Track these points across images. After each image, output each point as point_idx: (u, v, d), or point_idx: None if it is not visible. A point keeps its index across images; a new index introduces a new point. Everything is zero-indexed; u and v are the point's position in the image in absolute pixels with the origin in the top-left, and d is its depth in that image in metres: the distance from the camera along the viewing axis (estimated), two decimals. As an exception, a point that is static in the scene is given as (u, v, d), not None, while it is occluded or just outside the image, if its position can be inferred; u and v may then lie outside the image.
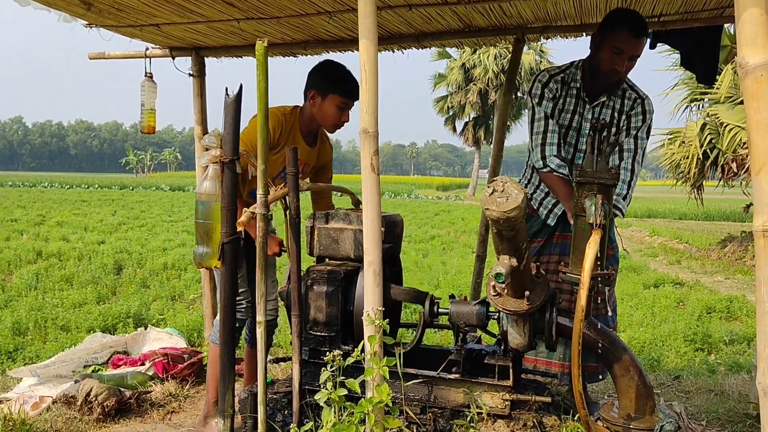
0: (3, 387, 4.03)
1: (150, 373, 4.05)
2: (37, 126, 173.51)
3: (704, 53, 3.73)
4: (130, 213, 20.14)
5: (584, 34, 3.75)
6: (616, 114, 3.23)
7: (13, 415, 3.13)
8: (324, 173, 3.51)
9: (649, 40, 3.64)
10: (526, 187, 3.41)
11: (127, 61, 4.31)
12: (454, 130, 40.46)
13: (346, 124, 3.27)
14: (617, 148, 3.25)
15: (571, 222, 2.94)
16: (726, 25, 3.85)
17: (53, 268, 8.75)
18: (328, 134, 3.48)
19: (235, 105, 2.39)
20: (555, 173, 3.12)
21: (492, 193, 1.89)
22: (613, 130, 3.23)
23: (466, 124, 39.71)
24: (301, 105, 3.27)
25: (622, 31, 2.97)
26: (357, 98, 3.16)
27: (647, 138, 3.29)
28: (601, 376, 3.42)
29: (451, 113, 39.50)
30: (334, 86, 3.13)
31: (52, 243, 11.46)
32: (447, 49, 35.51)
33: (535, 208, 3.36)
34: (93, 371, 4.09)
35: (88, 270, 8.57)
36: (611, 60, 3.02)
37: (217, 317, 3.24)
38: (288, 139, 3.17)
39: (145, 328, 4.87)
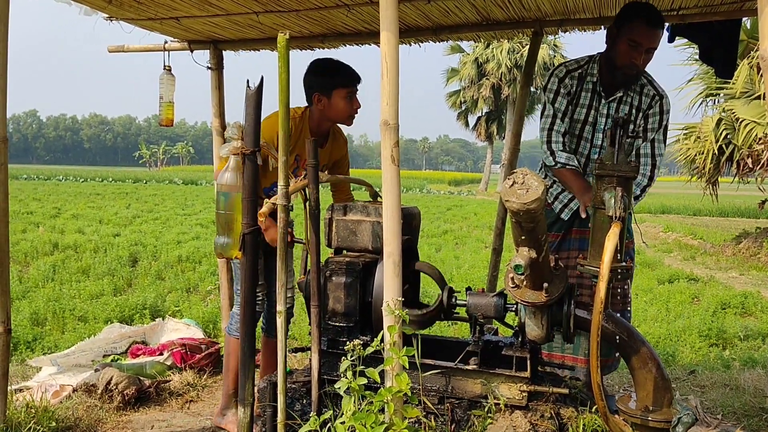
0: (23, 376, 4.09)
1: (168, 362, 4.10)
2: (52, 120, 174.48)
3: (723, 47, 3.71)
4: (144, 206, 20.28)
5: (602, 27, 3.73)
6: (633, 111, 3.20)
7: (35, 403, 3.18)
8: (340, 168, 3.49)
9: (667, 34, 3.63)
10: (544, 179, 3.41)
11: (141, 56, 4.38)
12: (467, 125, 40.34)
13: (359, 113, 3.25)
14: (633, 152, 3.25)
15: (584, 215, 2.95)
16: (743, 20, 3.82)
17: (70, 260, 8.84)
18: (342, 128, 3.46)
19: (256, 97, 2.41)
20: (567, 167, 3.14)
21: (512, 184, 1.90)
22: (631, 127, 3.20)
23: (479, 119, 39.59)
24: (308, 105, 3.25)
25: (638, 24, 2.96)
26: (359, 82, 3.16)
27: (665, 141, 3.28)
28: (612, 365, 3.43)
29: (463, 108, 39.40)
30: (334, 80, 3.11)
31: (68, 235, 11.58)
32: (460, 43, 35.45)
33: (550, 201, 3.36)
34: (112, 360, 4.14)
35: (104, 262, 8.67)
36: (628, 54, 3.00)
37: (234, 309, 3.27)
38: (297, 142, 3.16)
39: (163, 319, 4.92)
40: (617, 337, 2.43)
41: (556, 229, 3.35)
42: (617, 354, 3.33)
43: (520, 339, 2.53)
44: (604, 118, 3.20)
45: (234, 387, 3.25)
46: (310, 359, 2.49)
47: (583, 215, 2.99)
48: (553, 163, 3.18)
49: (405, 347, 2.18)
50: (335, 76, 3.13)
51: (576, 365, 3.25)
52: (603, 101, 3.19)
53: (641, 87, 3.20)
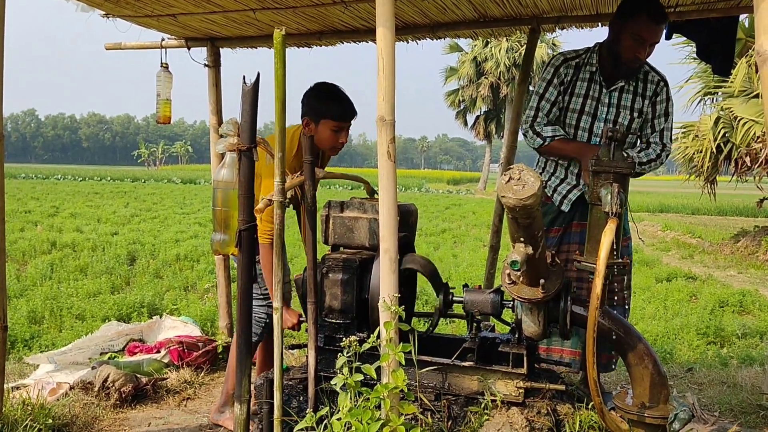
0: (20, 374, 4.09)
1: (165, 360, 4.09)
2: (50, 119, 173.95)
3: (720, 44, 3.71)
4: (142, 205, 20.26)
5: (600, 24, 3.74)
6: (638, 98, 3.21)
7: (31, 400, 3.18)
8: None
9: (665, 31, 3.63)
10: (540, 174, 3.41)
11: (140, 56, 4.39)
12: (465, 123, 40.32)
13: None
14: (646, 140, 3.25)
15: (587, 180, 2.92)
16: (741, 18, 3.82)
17: (67, 259, 8.83)
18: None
19: (252, 93, 2.40)
20: (555, 138, 3.17)
21: (508, 180, 1.89)
22: (635, 114, 3.22)
23: (478, 117, 39.56)
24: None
25: (642, 19, 2.96)
26: (351, 119, 3.10)
27: (671, 127, 3.30)
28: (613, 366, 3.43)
29: (462, 107, 39.35)
30: (325, 111, 3.04)
31: (66, 234, 11.56)
32: (458, 42, 35.44)
33: (549, 195, 3.35)
34: (110, 358, 4.14)
35: (101, 260, 8.65)
36: (633, 48, 3.01)
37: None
38: (298, 160, 3.11)
39: (161, 317, 4.91)
40: (614, 334, 2.43)
41: (558, 223, 3.33)
42: (613, 353, 3.34)
43: (516, 335, 2.53)
44: (606, 108, 3.20)
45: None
46: (307, 356, 2.49)
47: (586, 180, 2.98)
48: (542, 141, 3.21)
49: (401, 344, 2.18)
50: (328, 106, 3.06)
51: (574, 359, 3.25)
52: (604, 90, 3.19)
53: (645, 74, 3.22)
